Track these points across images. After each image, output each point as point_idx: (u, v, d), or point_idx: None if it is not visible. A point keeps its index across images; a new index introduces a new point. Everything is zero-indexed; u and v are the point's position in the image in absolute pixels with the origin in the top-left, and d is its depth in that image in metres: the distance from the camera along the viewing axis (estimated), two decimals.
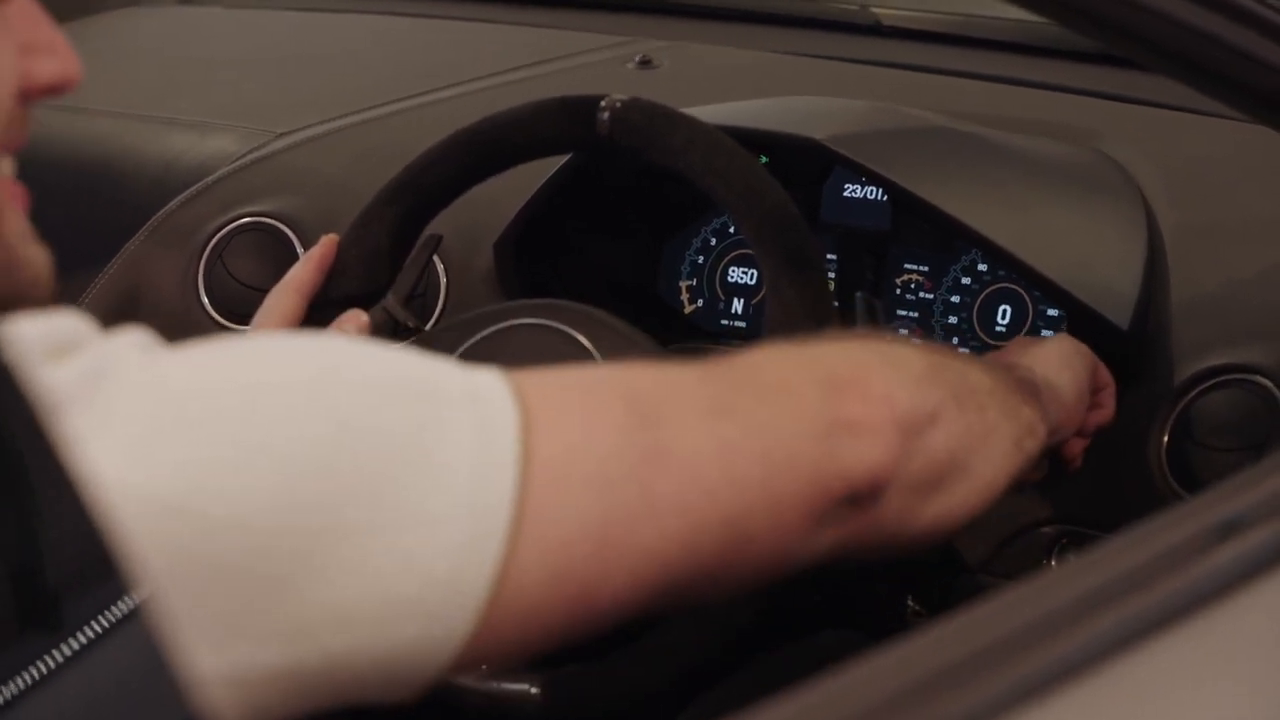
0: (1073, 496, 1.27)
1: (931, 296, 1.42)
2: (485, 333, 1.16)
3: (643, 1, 1.88)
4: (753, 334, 1.45)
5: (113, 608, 0.57)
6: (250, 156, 1.62)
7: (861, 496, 0.80)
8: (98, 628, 0.56)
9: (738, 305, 1.48)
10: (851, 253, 1.43)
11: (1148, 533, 0.72)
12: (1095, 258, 1.31)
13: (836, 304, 1.15)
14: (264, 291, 1.22)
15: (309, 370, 0.66)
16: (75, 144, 1.64)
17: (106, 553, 0.56)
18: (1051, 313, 1.37)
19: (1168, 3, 0.89)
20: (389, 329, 1.21)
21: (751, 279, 1.47)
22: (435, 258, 1.34)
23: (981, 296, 1.40)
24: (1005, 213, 1.32)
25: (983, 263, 1.40)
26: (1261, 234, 1.34)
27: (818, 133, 1.33)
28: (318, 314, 1.19)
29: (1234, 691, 0.70)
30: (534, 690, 1.09)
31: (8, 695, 0.54)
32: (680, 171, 1.16)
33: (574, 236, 1.45)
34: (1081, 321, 1.29)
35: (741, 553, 0.75)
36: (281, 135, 1.64)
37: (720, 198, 1.15)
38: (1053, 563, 1.32)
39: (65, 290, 1.64)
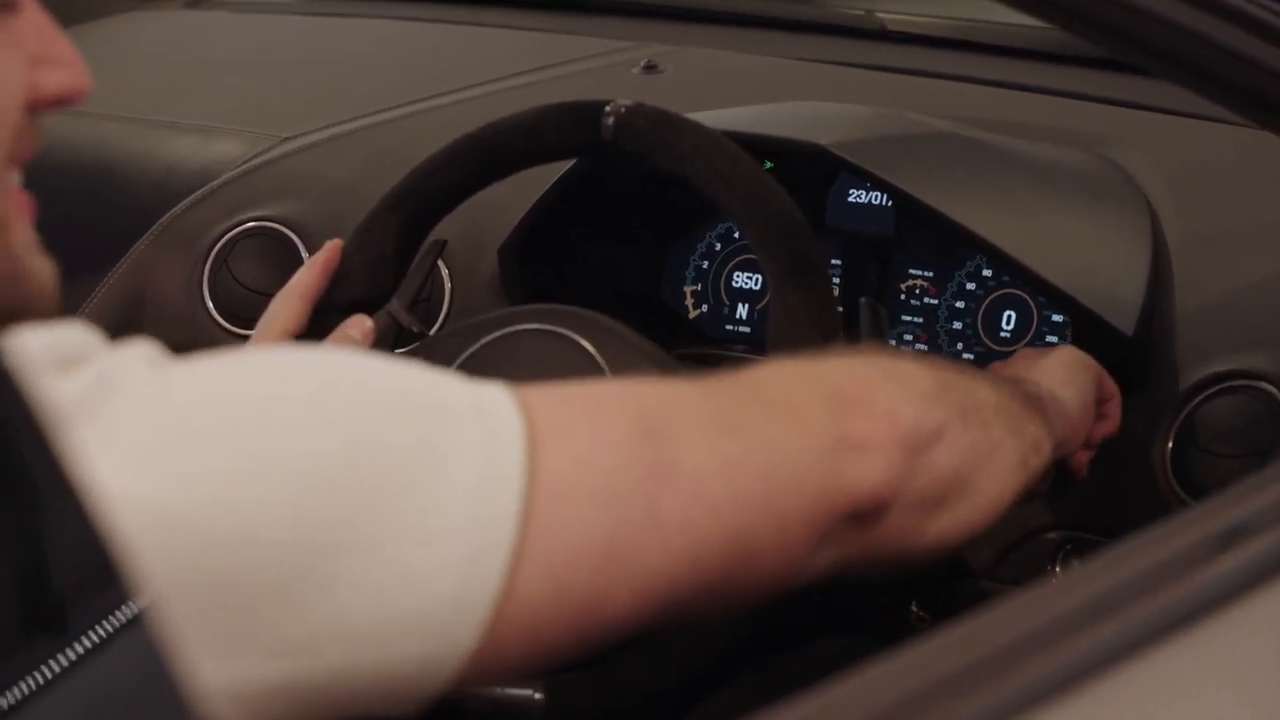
0: (1077, 502, 1.27)
1: (936, 302, 1.42)
2: (489, 338, 1.16)
3: (648, 6, 1.88)
4: (757, 339, 1.45)
5: (118, 612, 0.57)
6: (255, 161, 1.63)
7: (865, 513, 0.80)
8: (103, 632, 0.56)
9: (742, 310, 1.48)
10: (856, 258, 1.43)
11: (1151, 540, 0.72)
12: (1100, 264, 1.31)
13: (841, 309, 1.15)
14: (268, 296, 1.22)
15: (315, 384, 0.66)
16: (80, 148, 1.64)
17: (111, 559, 0.56)
18: (1056, 318, 1.37)
19: (1170, 7, 0.89)
20: (393, 334, 1.21)
21: (756, 284, 1.47)
22: (440, 263, 1.34)
23: (986, 302, 1.40)
24: (1010, 219, 1.32)
25: (987, 268, 1.40)
26: (1266, 240, 1.34)
27: (822, 138, 1.33)
28: (322, 319, 1.19)
29: (1237, 699, 0.70)
30: (537, 695, 1.09)
31: (14, 699, 0.54)
32: (685, 177, 1.16)
33: (578, 242, 1.45)
34: (1086, 327, 1.29)
35: (745, 569, 0.75)
36: (286, 140, 1.65)
37: (724, 203, 1.15)
38: (1057, 569, 1.32)
39: (70, 294, 1.64)
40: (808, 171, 1.39)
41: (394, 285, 1.23)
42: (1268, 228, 1.35)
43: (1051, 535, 1.32)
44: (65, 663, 0.55)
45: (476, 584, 0.65)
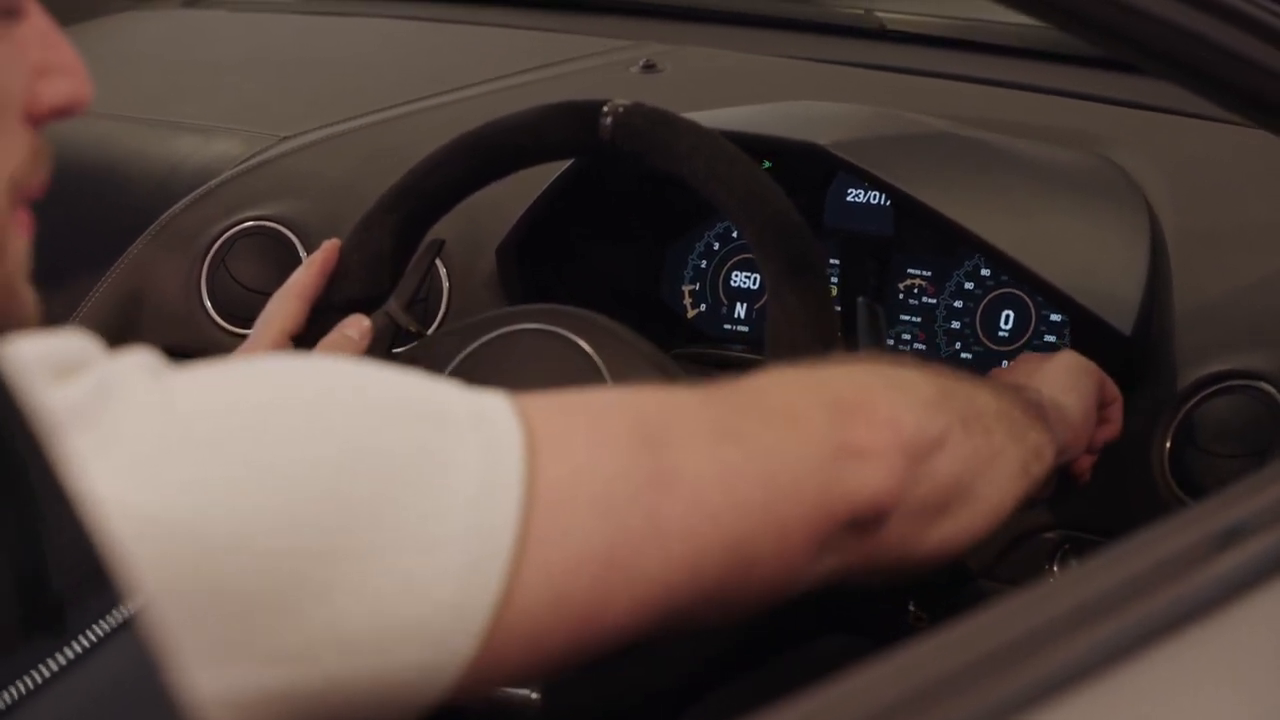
0: (1075, 502, 1.26)
1: (934, 302, 1.42)
2: (487, 338, 1.16)
3: (646, 5, 1.88)
4: (755, 338, 1.44)
5: (112, 619, 0.57)
6: (254, 160, 1.62)
7: (866, 521, 0.80)
8: (96, 638, 0.56)
9: (740, 310, 1.48)
10: (854, 258, 1.43)
11: (1150, 540, 0.72)
12: (1098, 263, 1.31)
13: (839, 309, 1.15)
14: (267, 295, 1.22)
15: (313, 391, 0.66)
16: (79, 147, 1.64)
17: (105, 567, 0.56)
18: (1054, 318, 1.37)
19: (1168, 7, 0.89)
20: (391, 334, 1.21)
21: (754, 283, 1.47)
22: (438, 262, 1.34)
23: (984, 302, 1.40)
24: (1008, 218, 1.32)
25: (986, 268, 1.40)
26: (1265, 240, 1.34)
27: (821, 138, 1.33)
28: (320, 319, 1.19)
29: (1235, 699, 0.70)
30: (535, 695, 1.09)
31: (12, 697, 0.54)
32: (683, 177, 1.16)
33: (577, 241, 1.45)
34: (1084, 327, 1.29)
35: (745, 576, 0.75)
36: (285, 139, 1.64)
37: (722, 203, 1.14)
38: (1055, 568, 1.32)
39: (69, 294, 1.64)
40: (806, 171, 1.39)
41: (392, 285, 1.23)
42: (1266, 227, 1.35)
43: (1050, 535, 1.32)
44: (56, 668, 0.55)
45: (476, 592, 0.65)
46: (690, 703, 1.27)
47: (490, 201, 1.29)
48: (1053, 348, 1.37)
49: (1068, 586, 0.70)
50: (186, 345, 1.53)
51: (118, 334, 1.55)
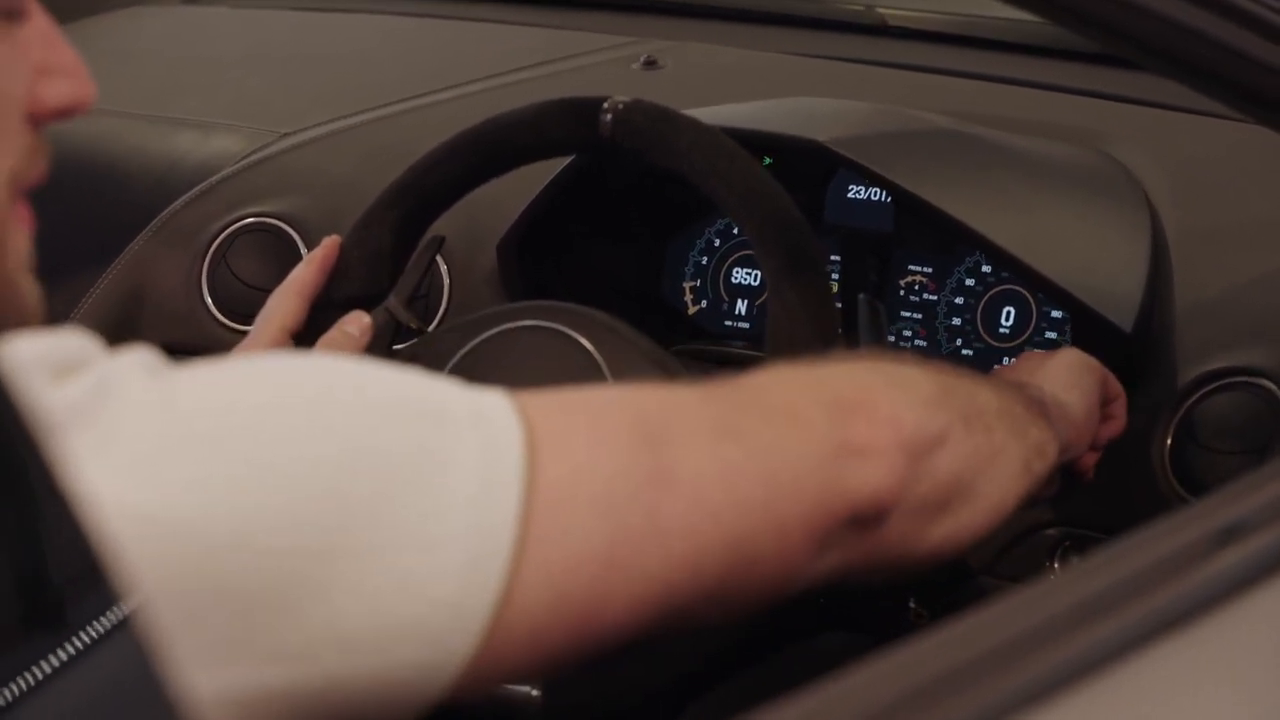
0: (1077, 499, 1.26)
1: (935, 298, 1.42)
2: (487, 335, 1.16)
3: (648, 2, 1.87)
4: (756, 335, 1.44)
5: (115, 610, 0.57)
6: (254, 156, 1.62)
7: (866, 519, 0.80)
8: (99, 630, 0.56)
9: (741, 306, 1.48)
10: (855, 254, 1.43)
11: (1150, 537, 0.72)
12: (1099, 260, 1.31)
13: (839, 306, 1.15)
14: (267, 292, 1.22)
15: (313, 390, 0.66)
16: (79, 143, 1.64)
17: (103, 566, 0.56)
18: (1055, 315, 1.37)
19: (1168, 4, 0.89)
20: (391, 330, 1.21)
21: (755, 280, 1.47)
22: (438, 259, 1.34)
23: (985, 298, 1.40)
24: (1009, 215, 1.32)
25: (986, 264, 1.40)
26: (1266, 236, 1.34)
27: (821, 135, 1.33)
28: (320, 316, 1.19)
29: (1235, 696, 0.70)
30: (535, 692, 1.09)
31: (9, 697, 0.54)
32: (682, 174, 1.16)
33: (577, 238, 1.45)
34: (1085, 324, 1.29)
35: (745, 575, 0.75)
36: (286, 135, 1.64)
37: (722, 200, 1.14)
38: (1055, 565, 1.32)
39: (70, 290, 1.64)
40: (806, 168, 1.39)
41: (392, 281, 1.23)
42: (1267, 224, 1.35)
43: (1050, 531, 1.32)
44: (53, 667, 0.55)
45: (475, 590, 0.65)
46: (691, 700, 1.27)
47: (491, 198, 1.29)
48: (1054, 344, 1.36)
49: (1068, 584, 0.70)
50: (187, 342, 1.53)
51: (118, 331, 1.55)
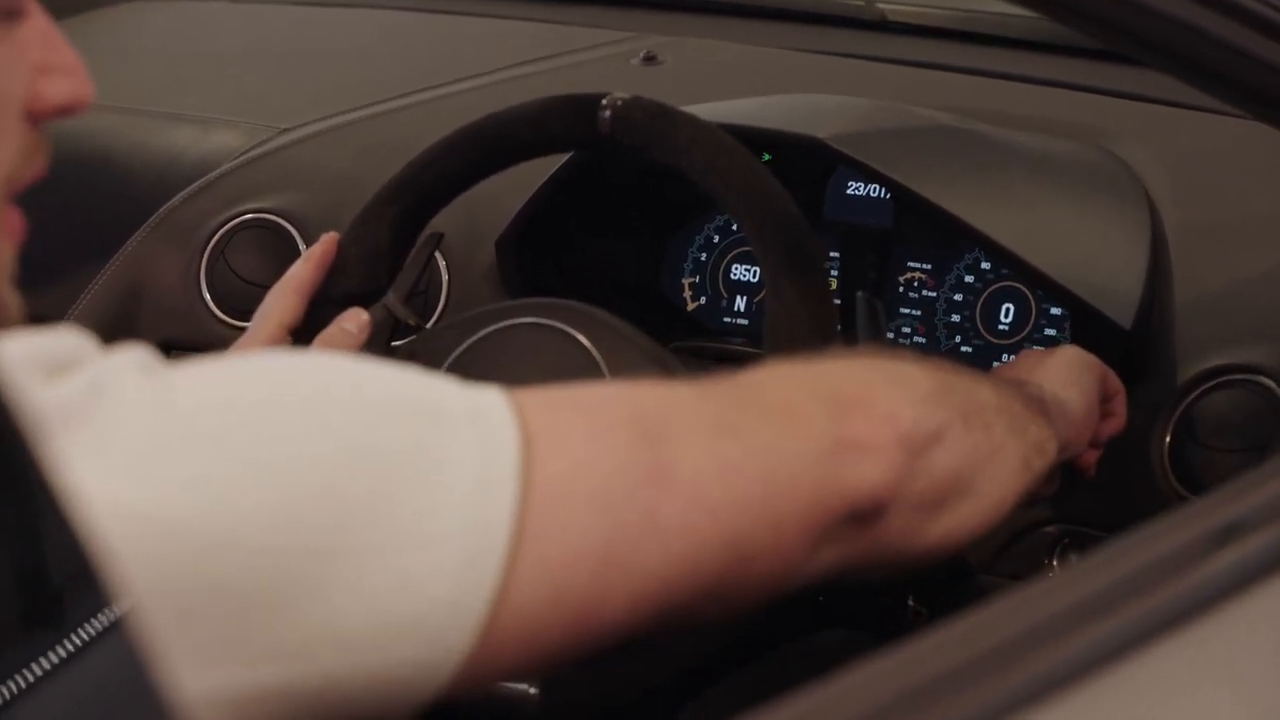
0: (1076, 497, 1.26)
1: (934, 295, 1.42)
2: (486, 331, 1.16)
3: None
4: (755, 332, 1.44)
5: (110, 609, 0.56)
6: (254, 152, 1.62)
7: (864, 515, 0.80)
8: (94, 630, 0.56)
9: (740, 303, 1.47)
10: (854, 251, 1.43)
11: (1149, 536, 0.72)
12: (1098, 257, 1.31)
13: (839, 302, 1.15)
14: (266, 288, 1.22)
15: (309, 388, 0.65)
16: (78, 138, 1.64)
17: (96, 567, 0.56)
18: (1055, 311, 1.37)
19: (1168, 2, 0.89)
20: (390, 327, 1.21)
21: (754, 276, 1.47)
22: (437, 255, 1.33)
23: (984, 295, 1.40)
24: (1008, 211, 1.32)
25: (986, 261, 1.40)
26: (1266, 233, 1.34)
27: (820, 131, 1.33)
28: (318, 312, 1.19)
29: (1234, 695, 0.70)
30: (533, 690, 1.09)
31: (7, 694, 0.54)
32: (682, 170, 1.16)
33: (576, 234, 1.45)
34: (1084, 321, 1.29)
35: (743, 572, 0.75)
36: (285, 131, 1.64)
37: (721, 197, 1.14)
38: (1055, 563, 1.32)
39: (67, 287, 1.64)
40: (806, 164, 1.39)
41: (390, 278, 1.23)
42: (1267, 221, 1.35)
43: (1049, 529, 1.32)
44: (48, 667, 0.55)
45: (472, 588, 0.65)
46: (689, 698, 1.27)
47: (489, 195, 1.29)
48: (1053, 341, 1.36)
49: (1067, 582, 0.70)
50: (185, 338, 1.53)
51: (116, 326, 1.55)
